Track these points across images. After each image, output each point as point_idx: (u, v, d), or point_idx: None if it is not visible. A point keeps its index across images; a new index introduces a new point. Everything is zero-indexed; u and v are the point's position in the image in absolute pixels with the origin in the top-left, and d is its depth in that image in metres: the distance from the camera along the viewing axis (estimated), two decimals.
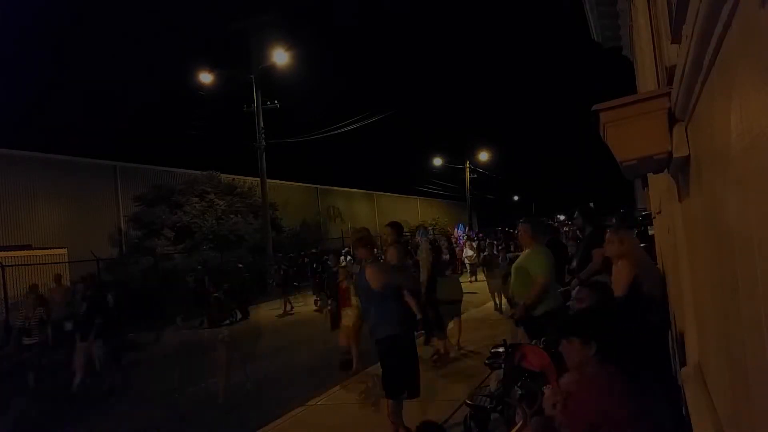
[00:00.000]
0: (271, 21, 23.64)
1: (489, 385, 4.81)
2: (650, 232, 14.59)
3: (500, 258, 13.77)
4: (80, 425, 7.37)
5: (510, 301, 8.36)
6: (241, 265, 19.81)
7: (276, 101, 24.07)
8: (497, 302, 13.01)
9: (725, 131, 1.45)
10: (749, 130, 1.19)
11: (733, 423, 1.85)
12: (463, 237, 21.75)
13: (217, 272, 18.28)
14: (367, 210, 41.56)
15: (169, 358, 11.38)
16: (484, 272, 14.55)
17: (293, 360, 10.12)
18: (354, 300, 8.11)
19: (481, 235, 31.44)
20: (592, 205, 25.07)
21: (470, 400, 4.64)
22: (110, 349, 8.98)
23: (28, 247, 18.06)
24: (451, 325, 8.97)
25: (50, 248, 18.48)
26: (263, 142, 23.59)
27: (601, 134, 2.67)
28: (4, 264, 15.51)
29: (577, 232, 11.16)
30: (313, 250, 24.96)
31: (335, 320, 9.23)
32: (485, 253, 16.23)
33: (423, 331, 8.12)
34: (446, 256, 9.95)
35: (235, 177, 25.95)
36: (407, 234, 32.80)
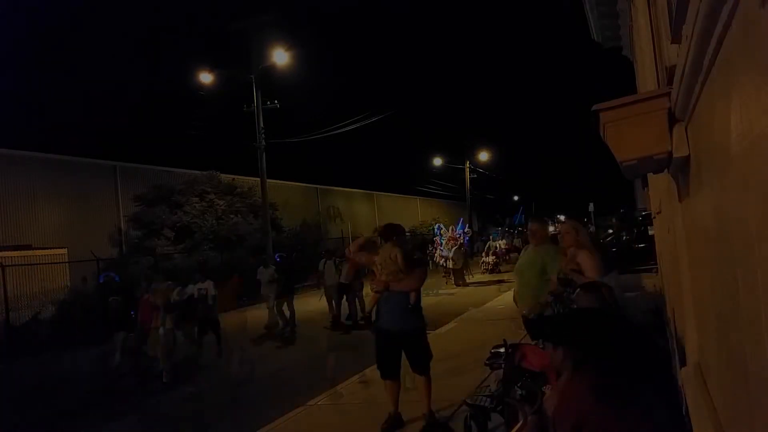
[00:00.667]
0: (271, 21, 23.64)
1: (489, 385, 4.80)
2: (650, 232, 14.59)
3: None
4: None
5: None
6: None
7: (276, 101, 24.07)
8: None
9: (725, 131, 1.45)
10: (749, 130, 1.20)
11: (733, 423, 1.85)
12: (460, 235, 21.33)
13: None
14: (367, 210, 41.56)
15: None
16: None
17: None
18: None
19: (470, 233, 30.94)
20: (592, 204, 25.09)
21: (470, 400, 4.64)
22: None
23: (28, 247, 18.06)
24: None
25: (50, 248, 18.48)
26: (263, 142, 23.58)
27: (601, 134, 2.68)
28: (4, 264, 15.51)
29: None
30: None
31: None
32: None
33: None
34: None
35: (235, 177, 25.95)
36: (408, 233, 32.81)
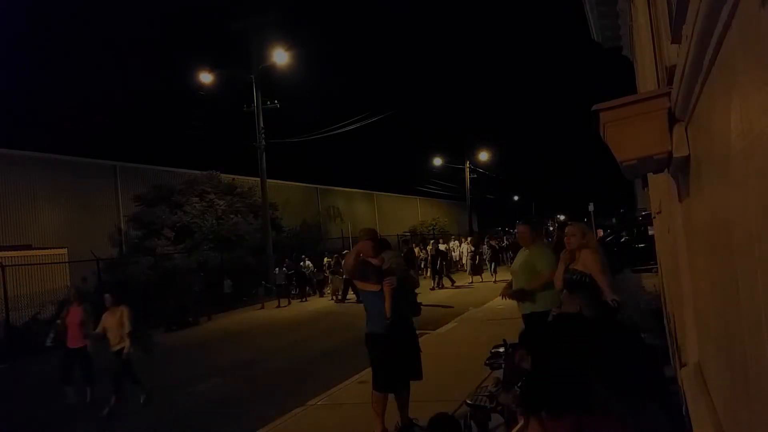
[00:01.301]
0: (271, 21, 23.66)
1: (489, 385, 4.80)
2: (650, 232, 14.59)
3: None
4: None
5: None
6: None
7: (276, 101, 24.07)
8: None
9: (725, 131, 1.45)
10: (749, 130, 1.20)
11: (733, 423, 1.85)
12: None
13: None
14: (367, 210, 41.54)
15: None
16: None
17: None
18: None
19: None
20: (592, 204, 25.08)
21: (470, 400, 4.64)
22: None
23: (28, 247, 18.05)
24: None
25: (50, 248, 18.48)
26: (263, 142, 23.59)
27: (601, 134, 2.67)
28: (4, 264, 15.51)
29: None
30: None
31: None
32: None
33: None
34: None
35: (235, 177, 25.94)
36: (407, 234, 32.76)
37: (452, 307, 14.45)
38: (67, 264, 18.07)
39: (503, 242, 30.09)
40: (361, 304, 5.76)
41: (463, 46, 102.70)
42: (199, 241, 21.65)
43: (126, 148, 28.49)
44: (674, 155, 2.39)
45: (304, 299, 20.89)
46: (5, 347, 14.11)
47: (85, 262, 17.80)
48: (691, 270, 2.93)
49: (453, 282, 20.82)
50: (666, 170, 2.95)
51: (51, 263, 17.34)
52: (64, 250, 18.48)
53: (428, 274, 22.82)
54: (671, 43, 2.34)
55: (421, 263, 25.59)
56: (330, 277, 21.04)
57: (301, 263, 22.15)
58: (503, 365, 4.38)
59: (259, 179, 24.00)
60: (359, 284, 5.61)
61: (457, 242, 29.13)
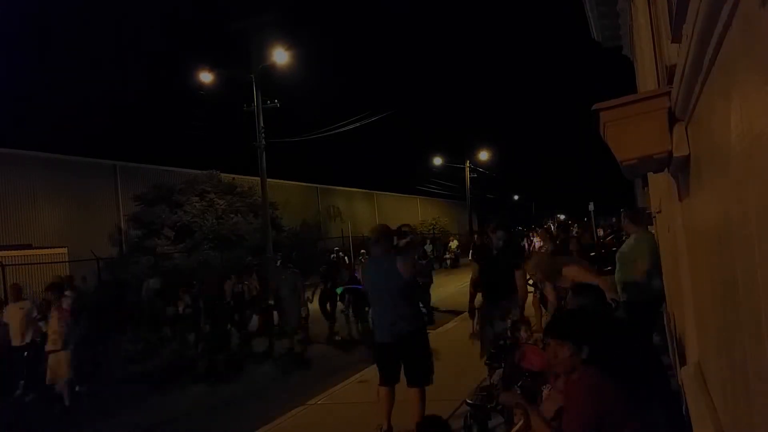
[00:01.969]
0: (271, 21, 23.63)
1: (489, 385, 4.81)
2: (650, 232, 14.52)
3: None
4: None
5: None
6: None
7: (276, 101, 24.06)
8: None
9: (725, 131, 1.45)
10: (749, 129, 1.19)
11: (733, 423, 1.85)
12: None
13: None
14: (367, 210, 41.53)
15: None
16: None
17: None
18: None
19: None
20: (592, 204, 25.05)
21: (470, 400, 4.64)
22: None
23: (29, 247, 18.06)
24: None
25: (50, 248, 18.48)
26: (263, 142, 23.58)
27: (601, 134, 2.67)
28: (4, 263, 15.52)
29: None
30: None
31: None
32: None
33: None
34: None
35: (235, 176, 25.93)
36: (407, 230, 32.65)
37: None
38: (67, 263, 18.07)
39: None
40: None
41: (463, 45, 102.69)
42: (199, 240, 21.64)
43: (126, 147, 28.49)
44: (674, 155, 2.39)
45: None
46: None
47: (85, 262, 17.80)
48: (691, 269, 2.93)
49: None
50: (666, 170, 2.95)
51: (51, 263, 17.34)
52: (64, 250, 18.49)
53: None
54: (671, 42, 2.34)
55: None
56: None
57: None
58: (503, 365, 4.39)
59: (259, 179, 23.98)
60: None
61: (456, 242, 29.06)
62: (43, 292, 9.16)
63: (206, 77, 23.44)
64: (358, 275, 9.21)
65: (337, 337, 11.78)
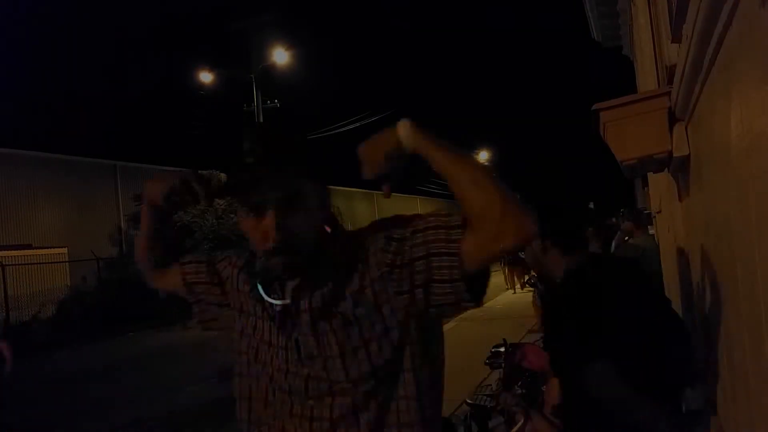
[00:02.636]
0: (271, 20, 23.66)
1: (489, 385, 4.80)
2: (650, 232, 14.56)
3: None
4: None
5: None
6: None
7: (276, 100, 24.08)
8: None
9: (725, 131, 1.45)
10: (749, 129, 1.19)
11: (733, 423, 1.85)
12: None
13: None
14: (367, 210, 41.53)
15: None
16: None
17: None
18: None
19: None
20: (592, 203, 25.07)
21: (470, 400, 4.64)
22: None
23: (29, 247, 18.06)
24: None
25: (50, 247, 18.49)
26: None
27: (601, 134, 2.67)
28: (4, 263, 15.52)
29: None
30: None
31: None
32: None
33: None
34: None
35: None
36: None
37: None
38: (67, 263, 18.07)
39: None
40: None
41: (464, 45, 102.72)
42: (199, 240, 21.65)
43: (126, 147, 28.50)
44: (674, 155, 2.39)
45: None
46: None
47: (85, 262, 17.79)
48: (691, 269, 2.92)
49: None
50: (666, 170, 2.95)
51: (51, 262, 17.35)
52: (64, 250, 18.50)
53: None
54: (671, 42, 2.34)
55: None
56: None
57: None
58: (503, 365, 4.38)
59: None
60: None
61: None
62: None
63: (206, 77, 23.47)
64: None
65: None
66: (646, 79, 4.00)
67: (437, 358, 1.31)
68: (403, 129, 1.26)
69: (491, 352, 4.60)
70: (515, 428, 2.92)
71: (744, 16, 1.17)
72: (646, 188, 6.34)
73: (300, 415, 1.23)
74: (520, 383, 3.81)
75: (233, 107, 24.75)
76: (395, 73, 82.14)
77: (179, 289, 1.56)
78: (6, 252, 16.56)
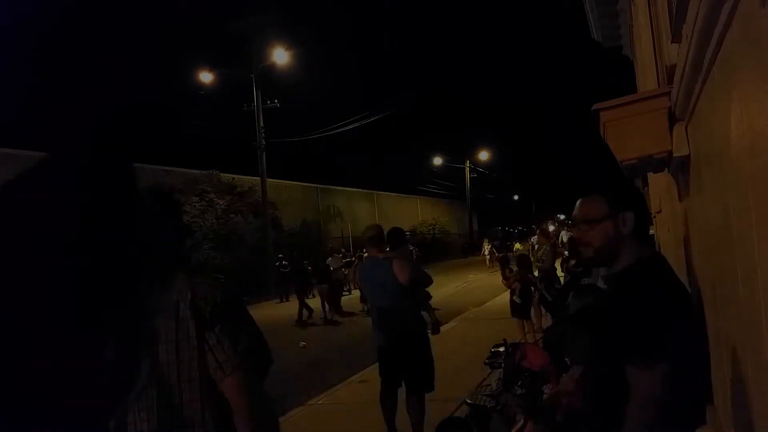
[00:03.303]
0: (271, 20, 23.67)
1: (489, 385, 4.80)
2: (650, 232, 14.55)
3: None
4: None
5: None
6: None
7: (276, 100, 24.09)
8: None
9: (725, 130, 1.45)
10: (749, 129, 1.19)
11: (733, 422, 1.85)
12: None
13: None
14: (367, 210, 41.53)
15: None
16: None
17: None
18: None
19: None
20: None
21: (470, 400, 4.63)
22: None
23: None
24: None
25: None
26: (263, 141, 23.61)
27: (602, 133, 2.68)
28: None
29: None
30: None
31: None
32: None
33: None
34: None
35: (235, 176, 25.93)
36: (408, 233, 32.62)
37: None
38: None
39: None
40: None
41: (464, 45, 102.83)
42: (199, 240, 21.66)
43: (125, 147, 28.39)
44: (674, 154, 2.39)
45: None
46: None
47: None
48: (691, 269, 2.92)
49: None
50: (666, 169, 2.95)
51: None
52: None
53: None
54: (671, 42, 2.34)
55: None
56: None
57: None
58: (503, 365, 4.38)
59: (259, 179, 24.01)
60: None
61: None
62: None
63: (206, 77, 23.49)
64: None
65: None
66: (646, 79, 4.00)
67: None
68: None
69: (491, 352, 4.60)
70: (515, 428, 2.92)
71: (744, 16, 1.17)
72: (646, 188, 6.34)
73: None
74: (520, 383, 3.81)
75: (233, 107, 24.75)
76: (395, 73, 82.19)
77: None
78: None
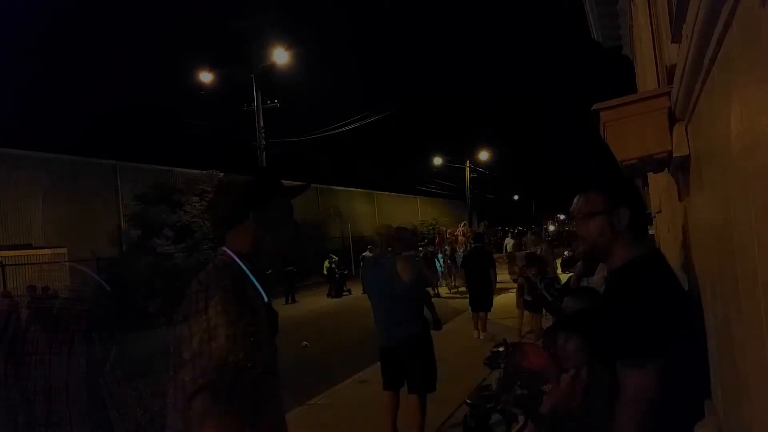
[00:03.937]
0: (271, 20, 23.67)
1: (489, 385, 4.81)
2: (650, 232, 14.57)
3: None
4: None
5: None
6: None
7: (276, 100, 24.10)
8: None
9: (725, 130, 1.45)
10: (749, 129, 1.19)
11: (733, 423, 1.85)
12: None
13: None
14: (367, 210, 41.54)
15: None
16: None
17: None
18: None
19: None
20: None
21: (470, 400, 4.64)
22: None
23: (28, 247, 18.06)
24: None
25: (50, 247, 18.48)
26: (263, 142, 23.61)
27: (601, 134, 2.68)
28: (3, 263, 15.52)
29: None
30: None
31: None
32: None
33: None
34: None
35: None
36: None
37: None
38: (67, 263, 18.07)
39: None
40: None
41: (464, 45, 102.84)
42: (199, 240, 21.65)
43: (126, 147, 28.46)
44: (674, 154, 2.39)
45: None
46: None
47: (85, 262, 17.79)
48: (691, 269, 2.92)
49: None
50: (666, 169, 2.95)
51: (51, 262, 17.34)
52: (64, 250, 18.50)
53: None
54: (671, 42, 2.34)
55: None
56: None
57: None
58: (503, 365, 4.38)
59: None
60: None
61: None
62: None
63: (206, 77, 23.51)
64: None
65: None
66: (646, 79, 4.00)
67: None
68: None
69: (491, 352, 4.61)
70: (515, 428, 2.92)
71: (744, 15, 1.17)
72: (645, 188, 6.34)
73: None
74: (520, 383, 3.81)
75: (233, 107, 24.75)
76: (396, 73, 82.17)
77: None
78: (6, 252, 16.56)
